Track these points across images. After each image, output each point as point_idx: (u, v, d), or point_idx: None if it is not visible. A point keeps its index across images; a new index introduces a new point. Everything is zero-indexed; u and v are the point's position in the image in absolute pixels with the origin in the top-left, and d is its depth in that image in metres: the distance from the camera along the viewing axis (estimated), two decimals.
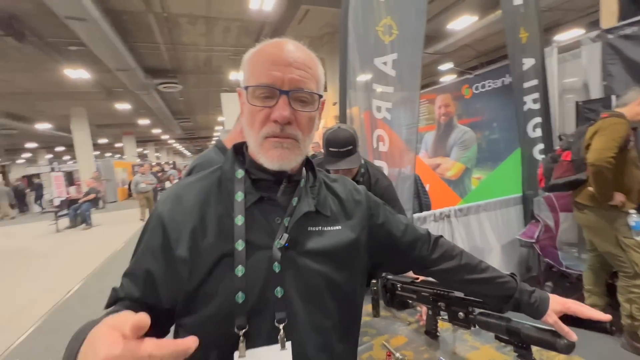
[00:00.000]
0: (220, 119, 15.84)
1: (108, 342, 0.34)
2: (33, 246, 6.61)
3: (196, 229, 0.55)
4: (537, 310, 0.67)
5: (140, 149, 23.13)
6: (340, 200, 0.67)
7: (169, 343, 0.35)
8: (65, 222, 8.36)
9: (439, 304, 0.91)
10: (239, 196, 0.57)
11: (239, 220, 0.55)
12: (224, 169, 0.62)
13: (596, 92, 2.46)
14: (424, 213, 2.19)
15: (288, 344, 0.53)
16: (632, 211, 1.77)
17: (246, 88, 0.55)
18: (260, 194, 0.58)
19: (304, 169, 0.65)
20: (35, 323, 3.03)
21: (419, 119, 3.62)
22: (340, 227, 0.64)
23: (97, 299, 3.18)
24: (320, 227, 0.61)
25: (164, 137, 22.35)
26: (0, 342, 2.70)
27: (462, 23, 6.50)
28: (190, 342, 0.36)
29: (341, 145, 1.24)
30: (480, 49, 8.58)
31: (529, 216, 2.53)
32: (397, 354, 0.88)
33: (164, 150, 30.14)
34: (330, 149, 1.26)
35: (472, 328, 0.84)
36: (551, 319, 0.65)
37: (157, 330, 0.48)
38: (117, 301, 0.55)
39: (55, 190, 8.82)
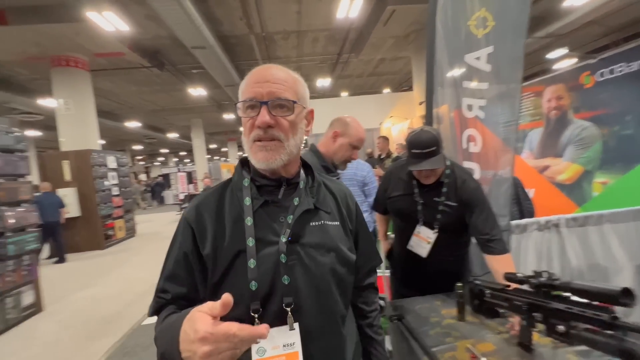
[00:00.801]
0: None
1: (205, 322, 0.45)
2: (165, 231, 8.34)
3: (217, 232, 0.66)
4: None
5: (240, 153, 26.47)
6: (337, 201, 0.77)
7: (248, 326, 0.45)
8: None
9: (535, 314, 0.85)
10: (247, 201, 0.67)
11: (249, 221, 0.65)
12: (234, 180, 0.73)
13: None
14: (525, 220, 1.96)
15: (296, 325, 0.62)
16: None
17: (236, 105, 0.68)
18: (265, 198, 0.68)
19: (302, 172, 0.74)
20: None
21: (521, 115, 3.18)
22: (338, 223, 0.73)
23: None
24: (322, 222, 0.70)
25: None
26: (148, 302, 3.54)
27: None
28: (263, 329, 0.45)
29: (423, 147, 1.25)
30: (611, 23, 6.93)
31: None
32: (483, 358, 0.86)
33: None
34: (413, 150, 1.28)
35: (576, 346, 0.77)
36: None
37: None
38: (165, 305, 0.66)
39: (180, 187, 10.90)
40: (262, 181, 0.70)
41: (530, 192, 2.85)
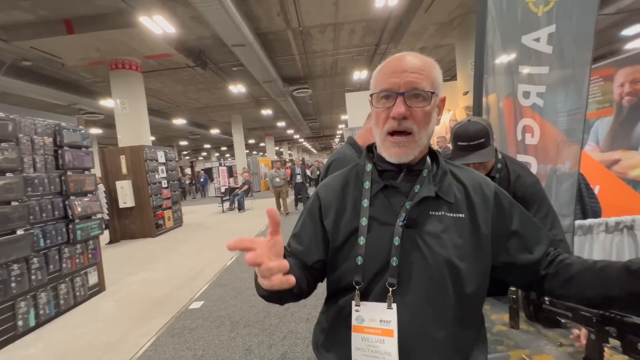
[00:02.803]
0: (343, 117, 16.71)
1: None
2: (208, 221, 8.84)
3: (339, 209, 0.73)
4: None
5: (277, 147, 27.15)
6: (466, 190, 0.71)
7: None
8: (226, 205, 10.76)
9: (608, 329, 0.74)
10: (367, 185, 0.72)
11: (365, 203, 0.70)
12: (360, 164, 0.77)
13: None
14: (590, 221, 1.75)
15: (394, 305, 0.63)
16: None
17: (371, 95, 0.70)
18: (385, 183, 0.71)
19: (428, 159, 0.73)
20: (212, 278, 4.09)
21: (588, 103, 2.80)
22: (463, 215, 0.68)
23: (249, 266, 4.02)
24: (442, 212, 0.67)
25: (295, 136, 25.42)
26: (194, 288, 3.79)
27: None
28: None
29: (470, 139, 1.15)
30: None
31: None
32: None
33: (295, 148, 34.31)
34: (459, 142, 1.19)
35: None
36: None
37: (310, 279, 0.73)
38: (286, 256, 0.71)
39: (221, 180, 11.45)
40: (384, 166, 0.72)
41: (595, 190, 2.54)
